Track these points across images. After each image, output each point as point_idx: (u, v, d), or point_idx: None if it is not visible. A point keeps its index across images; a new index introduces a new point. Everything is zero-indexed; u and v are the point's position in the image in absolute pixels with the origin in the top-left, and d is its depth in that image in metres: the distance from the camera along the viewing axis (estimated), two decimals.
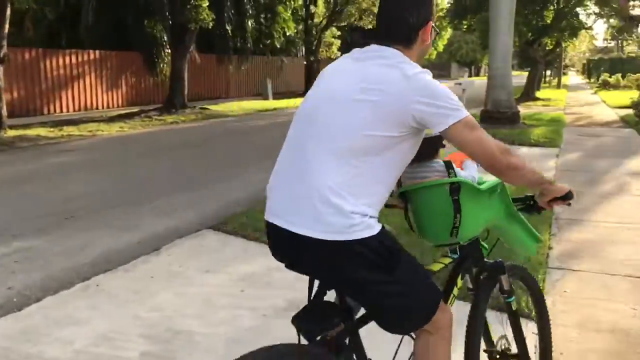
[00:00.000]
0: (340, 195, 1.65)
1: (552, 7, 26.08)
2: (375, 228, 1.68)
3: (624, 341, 3.22)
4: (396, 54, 1.76)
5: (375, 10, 31.76)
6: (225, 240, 5.16)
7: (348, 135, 1.68)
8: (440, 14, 33.80)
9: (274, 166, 1.87)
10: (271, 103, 24.23)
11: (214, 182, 7.93)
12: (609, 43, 33.60)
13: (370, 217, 1.69)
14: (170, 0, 18.58)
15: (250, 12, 24.28)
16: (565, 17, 25.72)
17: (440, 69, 74.71)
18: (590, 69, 51.95)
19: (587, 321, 3.48)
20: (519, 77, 37.05)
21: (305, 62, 32.63)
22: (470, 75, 70.27)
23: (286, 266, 1.88)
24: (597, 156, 9.86)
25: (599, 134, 13.17)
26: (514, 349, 2.35)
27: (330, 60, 38.24)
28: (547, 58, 28.87)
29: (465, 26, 28.21)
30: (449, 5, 28.49)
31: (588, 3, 25.90)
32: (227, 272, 4.33)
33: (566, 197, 2.02)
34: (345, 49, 35.72)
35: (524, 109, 18.89)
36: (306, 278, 1.90)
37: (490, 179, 2.02)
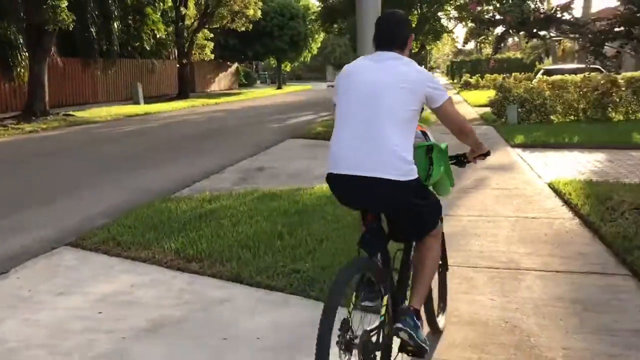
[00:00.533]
0: (403, 150, 2.51)
1: (416, 12, 27.37)
2: (417, 172, 2.57)
3: (483, 332, 3.34)
4: (403, 57, 2.70)
5: (247, 12, 31.70)
6: (84, 258, 4.79)
7: (401, 110, 2.55)
8: (312, 17, 34.36)
9: (334, 141, 2.63)
10: (142, 107, 23.27)
11: (74, 194, 7.40)
12: (464, 46, 35.80)
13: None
14: (25, 0, 17.23)
15: (116, 13, 23.17)
16: (428, 21, 27.13)
17: (316, 72, 76.02)
18: (454, 70, 55.24)
19: (450, 315, 3.57)
20: None
21: (178, 65, 31.71)
22: None
23: (348, 205, 2.83)
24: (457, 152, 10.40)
25: None
26: None
27: (203, 62, 37.56)
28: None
29: (336, 30, 28.81)
30: (319, 9, 28.94)
31: (448, 8, 27.47)
32: (83, 293, 3.99)
33: (487, 154, 3.10)
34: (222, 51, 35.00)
35: None
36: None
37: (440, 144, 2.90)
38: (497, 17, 5.14)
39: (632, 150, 10.13)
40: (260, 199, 6.51)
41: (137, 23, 27.70)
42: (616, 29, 4.99)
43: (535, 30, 5.16)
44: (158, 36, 29.17)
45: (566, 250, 4.79)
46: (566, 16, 5.21)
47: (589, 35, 4.97)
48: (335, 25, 28.03)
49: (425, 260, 2.77)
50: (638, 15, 4.94)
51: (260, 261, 4.42)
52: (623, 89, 14.75)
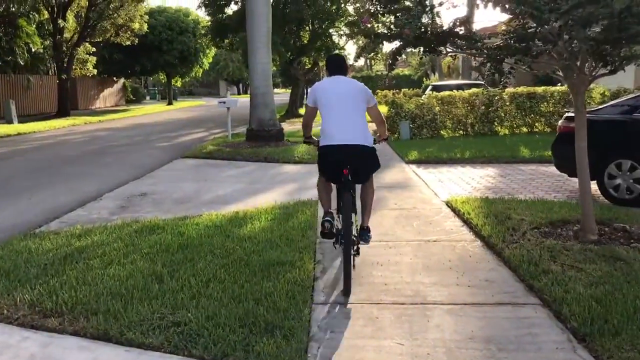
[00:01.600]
0: (365, 130, 4.56)
1: (307, 28, 27.32)
2: (372, 142, 4.66)
3: None
4: (348, 78, 4.80)
5: (133, 25, 30.37)
6: None
7: (360, 106, 4.63)
8: (202, 32, 33.42)
9: (327, 126, 4.56)
10: (15, 127, 21.29)
11: None
12: (355, 62, 36.43)
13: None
14: None
15: None
16: (320, 38, 27.12)
17: (208, 87, 74.53)
18: None
19: None
20: (285, 95, 38.35)
21: (57, 81, 29.56)
22: (239, 93, 71.27)
23: (333, 167, 4.56)
24: None
25: None
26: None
27: (86, 77, 35.45)
28: (307, 76, 30.14)
29: (227, 45, 28.10)
30: (209, 23, 28.12)
31: (339, 25, 27.65)
32: None
33: (387, 138, 5.06)
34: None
35: (289, 126, 19.30)
36: None
37: None
38: (394, 30, 4.89)
39: (520, 164, 10.35)
40: (139, 232, 5.75)
41: (8, 35, 25.56)
42: (514, 45, 4.83)
43: (432, 45, 4.95)
44: (34, 50, 27.12)
45: (472, 277, 4.51)
46: (463, 31, 5.05)
47: (486, 51, 4.79)
48: (226, 41, 27.31)
49: (368, 192, 4.75)
50: (530, 31, 4.82)
51: (133, 313, 3.74)
52: (507, 104, 15.32)
